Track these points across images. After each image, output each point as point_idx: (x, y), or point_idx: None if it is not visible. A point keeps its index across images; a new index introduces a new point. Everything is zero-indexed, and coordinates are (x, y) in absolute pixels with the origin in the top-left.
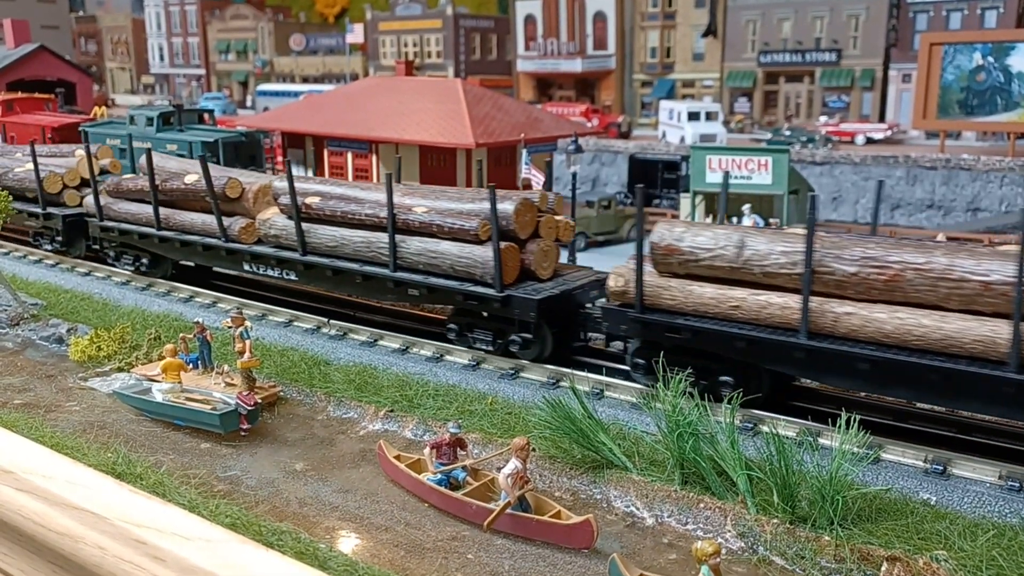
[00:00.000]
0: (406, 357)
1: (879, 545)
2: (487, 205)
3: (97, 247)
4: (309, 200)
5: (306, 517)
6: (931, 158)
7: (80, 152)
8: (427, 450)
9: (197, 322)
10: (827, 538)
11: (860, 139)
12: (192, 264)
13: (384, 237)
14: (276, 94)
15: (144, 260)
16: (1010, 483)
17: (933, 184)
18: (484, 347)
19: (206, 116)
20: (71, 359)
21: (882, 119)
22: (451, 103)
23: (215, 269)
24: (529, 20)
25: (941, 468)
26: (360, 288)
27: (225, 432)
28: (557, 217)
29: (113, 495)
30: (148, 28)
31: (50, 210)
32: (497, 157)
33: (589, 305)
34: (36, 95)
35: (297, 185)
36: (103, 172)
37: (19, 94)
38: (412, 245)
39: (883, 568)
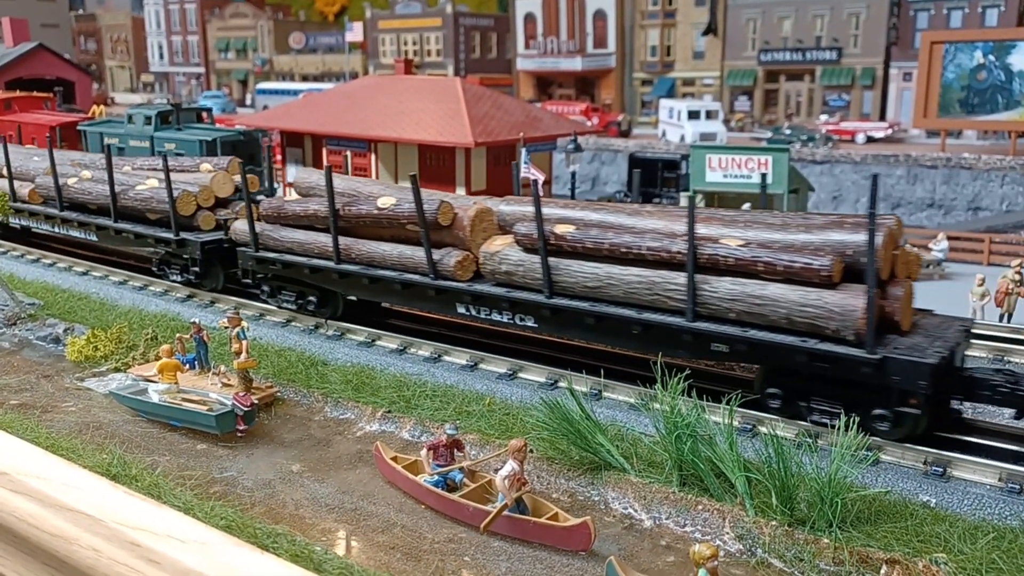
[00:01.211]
0: (404, 357)
1: (878, 548)
2: (833, 236)
3: (245, 280)
4: (560, 229)
5: (302, 519)
6: (932, 157)
7: (207, 166)
8: (424, 451)
9: (194, 322)
10: (826, 540)
11: (861, 138)
12: (354, 298)
13: (675, 277)
14: (275, 92)
15: (311, 297)
16: (1010, 485)
17: (934, 183)
18: (825, 420)
19: (204, 115)
20: (68, 359)
21: (883, 118)
22: (450, 102)
23: (383, 305)
24: (529, 18)
25: (941, 470)
26: (635, 340)
27: (221, 433)
28: (910, 249)
29: (108, 497)
30: (148, 26)
31: (184, 236)
32: (496, 156)
33: (966, 365)
34: (35, 94)
35: (525, 209)
36: (236, 190)
37: (17, 93)
38: (721, 288)
39: (882, 571)
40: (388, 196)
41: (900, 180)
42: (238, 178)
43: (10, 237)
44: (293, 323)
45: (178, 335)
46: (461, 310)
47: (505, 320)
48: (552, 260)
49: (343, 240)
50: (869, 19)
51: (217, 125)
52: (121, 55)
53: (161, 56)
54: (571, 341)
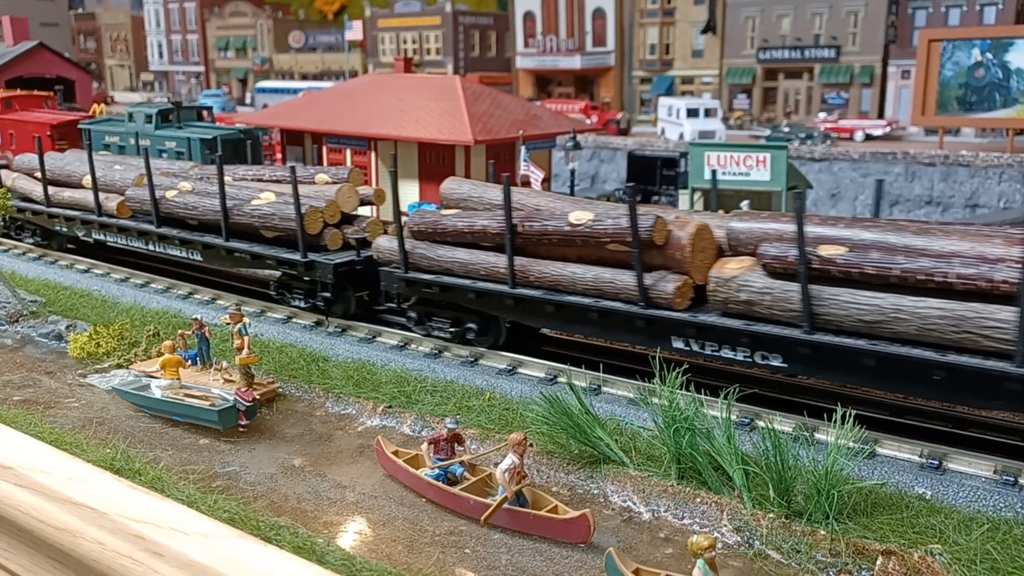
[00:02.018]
0: (404, 353)
1: (874, 539)
2: None
3: (386, 304)
4: (827, 251)
5: (304, 512)
6: (930, 154)
7: (324, 177)
8: (425, 446)
9: (196, 319)
10: (823, 532)
11: (859, 135)
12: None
13: (996, 311)
14: (275, 91)
15: (471, 324)
16: (1005, 477)
17: (932, 180)
18: None
19: (205, 113)
20: (70, 356)
21: (881, 115)
22: (450, 100)
23: (542, 331)
24: (528, 17)
25: (937, 463)
26: (935, 387)
27: (223, 428)
28: None
29: (112, 490)
30: (147, 25)
31: (312, 257)
32: (496, 154)
33: None
34: (35, 93)
35: (769, 226)
36: (364, 203)
37: (18, 91)
38: None
39: (878, 562)
40: (582, 211)
41: (898, 177)
42: (364, 190)
43: (69, 250)
44: (294, 319)
45: (180, 331)
46: (678, 344)
47: (740, 358)
48: (814, 288)
49: (521, 261)
50: (867, 17)
51: (218, 124)
52: (121, 54)
53: (161, 55)
54: (573, 338)
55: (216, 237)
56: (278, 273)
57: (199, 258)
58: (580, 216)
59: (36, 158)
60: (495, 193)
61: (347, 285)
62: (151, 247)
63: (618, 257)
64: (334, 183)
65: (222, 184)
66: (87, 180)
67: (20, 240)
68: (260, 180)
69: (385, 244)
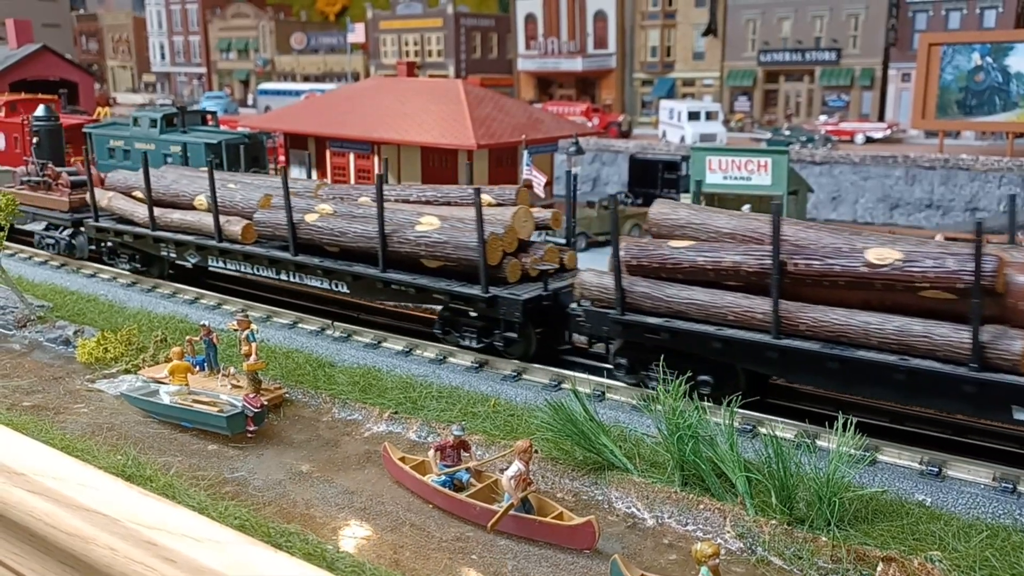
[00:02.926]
0: (410, 359)
1: (875, 546)
2: None
3: (593, 344)
4: None
5: (313, 518)
6: (930, 158)
7: (486, 197)
8: (431, 452)
9: (203, 324)
10: (824, 539)
11: (860, 138)
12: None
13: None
14: (277, 93)
15: (706, 376)
16: (1004, 485)
17: (932, 184)
18: None
19: (209, 117)
20: (78, 361)
21: (881, 118)
22: (453, 104)
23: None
24: (530, 19)
25: (936, 470)
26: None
27: (232, 434)
28: None
29: (123, 497)
30: (149, 26)
31: (496, 292)
32: (499, 158)
33: None
34: (39, 96)
35: None
36: (540, 228)
37: (22, 95)
38: None
39: (879, 568)
40: (884, 248)
41: (899, 181)
42: (541, 213)
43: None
44: (299, 325)
45: (188, 337)
46: (1020, 416)
47: None
48: None
49: (787, 306)
50: (868, 20)
51: (222, 128)
52: (123, 55)
53: (163, 56)
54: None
55: (369, 267)
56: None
57: (345, 290)
58: (883, 255)
59: (133, 175)
60: (722, 221)
61: (528, 323)
62: (284, 277)
63: (924, 304)
64: (498, 204)
65: (381, 206)
66: (200, 200)
67: (113, 265)
68: (405, 201)
69: (592, 280)
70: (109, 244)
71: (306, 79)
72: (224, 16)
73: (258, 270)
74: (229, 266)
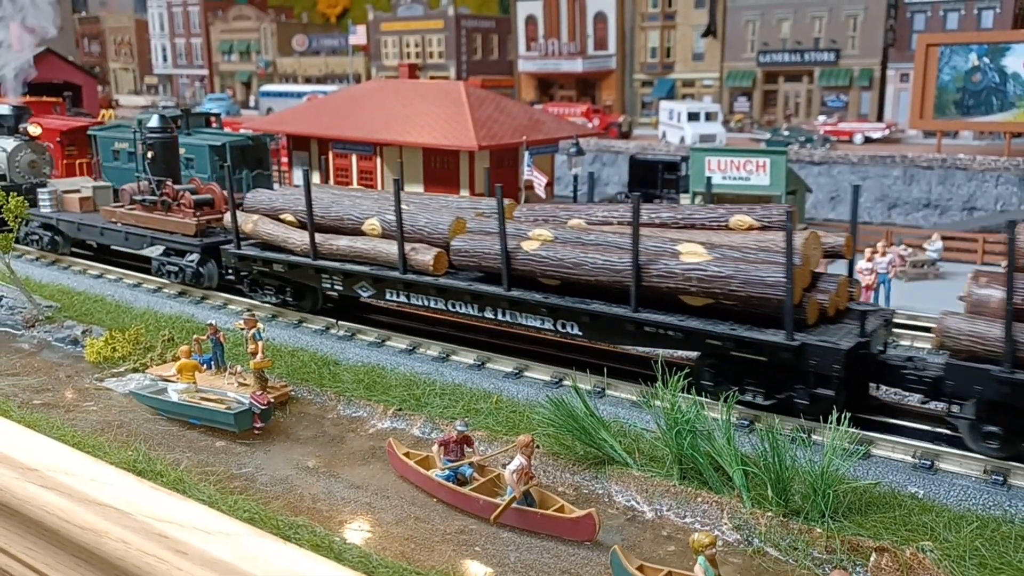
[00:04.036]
0: (413, 357)
1: (868, 537)
2: None
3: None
4: None
5: (320, 512)
6: (928, 158)
7: (745, 218)
8: (435, 447)
9: (210, 324)
10: (819, 530)
11: (858, 138)
12: None
13: None
14: (279, 95)
15: None
16: (994, 477)
17: (930, 183)
18: None
19: (212, 120)
20: (86, 360)
21: (880, 118)
22: (454, 106)
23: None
24: (530, 20)
25: (929, 463)
26: None
27: (239, 431)
28: None
29: (135, 491)
30: (151, 29)
31: (804, 338)
32: (500, 159)
33: None
34: (44, 98)
35: None
36: (829, 255)
37: (27, 97)
38: None
39: (872, 559)
40: None
41: (897, 181)
42: (831, 238)
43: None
44: (304, 324)
45: (195, 336)
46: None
47: None
48: None
49: None
50: (867, 21)
51: (226, 130)
52: (125, 57)
53: (165, 58)
54: (576, 342)
55: (611, 305)
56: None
57: (575, 331)
58: None
59: (279, 195)
60: None
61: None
62: (490, 314)
63: None
64: (762, 227)
65: (637, 235)
66: (371, 225)
67: (252, 297)
68: (622, 224)
69: (964, 327)
70: (250, 274)
71: (308, 81)
72: (226, 18)
73: (453, 306)
74: (413, 300)
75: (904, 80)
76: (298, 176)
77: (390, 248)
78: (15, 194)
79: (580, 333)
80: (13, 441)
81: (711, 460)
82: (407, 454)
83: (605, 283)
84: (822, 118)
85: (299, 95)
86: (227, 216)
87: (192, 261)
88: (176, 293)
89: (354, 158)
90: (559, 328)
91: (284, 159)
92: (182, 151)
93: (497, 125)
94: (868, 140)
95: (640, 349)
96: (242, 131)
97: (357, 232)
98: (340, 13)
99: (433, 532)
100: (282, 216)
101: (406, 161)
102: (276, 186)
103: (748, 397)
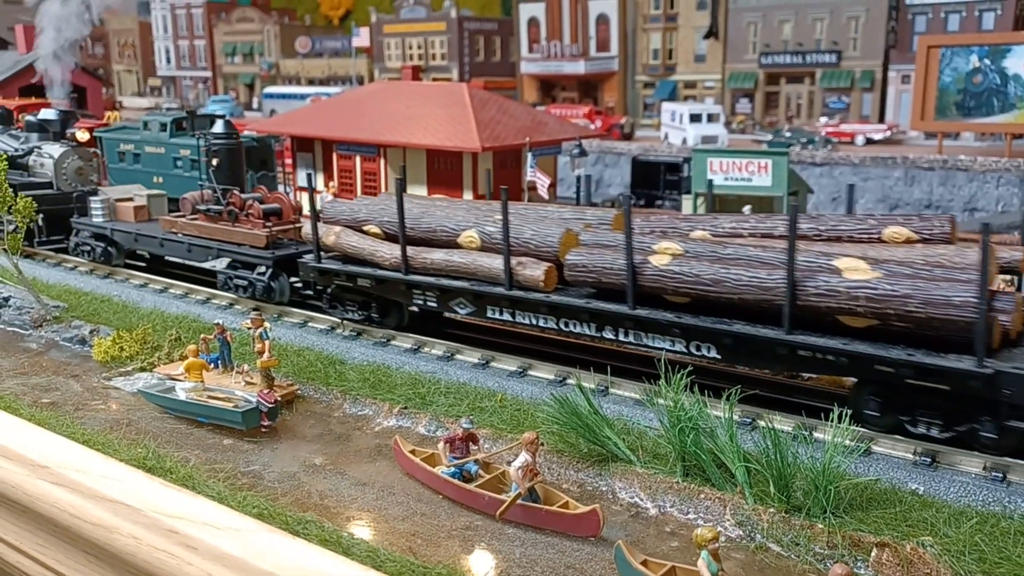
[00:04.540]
0: (418, 356)
1: (869, 532)
2: None
3: None
4: None
5: (327, 508)
6: (929, 159)
7: (900, 230)
8: (441, 445)
9: (218, 323)
10: (820, 526)
11: (860, 139)
12: None
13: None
14: (283, 96)
15: None
16: (994, 474)
17: (931, 184)
18: None
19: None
20: (94, 359)
21: (881, 119)
22: (458, 108)
23: None
24: (532, 22)
25: (929, 460)
26: None
27: (246, 429)
28: None
29: (145, 488)
30: (155, 31)
31: (998, 365)
32: (503, 160)
33: None
34: (51, 100)
35: None
36: (1006, 272)
37: (33, 99)
38: None
39: (873, 554)
40: None
41: (898, 182)
42: (1007, 252)
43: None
44: (310, 324)
45: (202, 335)
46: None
47: None
48: None
49: None
50: (868, 22)
51: None
52: (128, 59)
53: (168, 60)
54: (579, 341)
55: (756, 326)
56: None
57: (712, 355)
58: None
59: (362, 204)
60: None
61: None
62: (609, 335)
63: None
64: (921, 240)
65: (793, 248)
66: (469, 237)
67: (330, 314)
68: (768, 236)
69: None
70: (330, 289)
71: (311, 83)
72: (229, 20)
73: (566, 325)
74: (519, 319)
75: (905, 81)
76: (302, 178)
77: (492, 262)
78: (23, 195)
79: (718, 356)
80: (24, 439)
81: (714, 457)
82: (413, 451)
83: (750, 302)
84: (824, 119)
85: (302, 97)
86: (306, 227)
87: (263, 275)
88: (182, 293)
89: (358, 159)
90: (692, 350)
91: (288, 160)
92: (187, 152)
93: (500, 127)
94: (869, 141)
95: (642, 348)
96: (246, 133)
97: (452, 245)
98: (343, 15)
99: (439, 528)
100: (365, 227)
101: (410, 162)
102: (280, 187)
103: (921, 430)
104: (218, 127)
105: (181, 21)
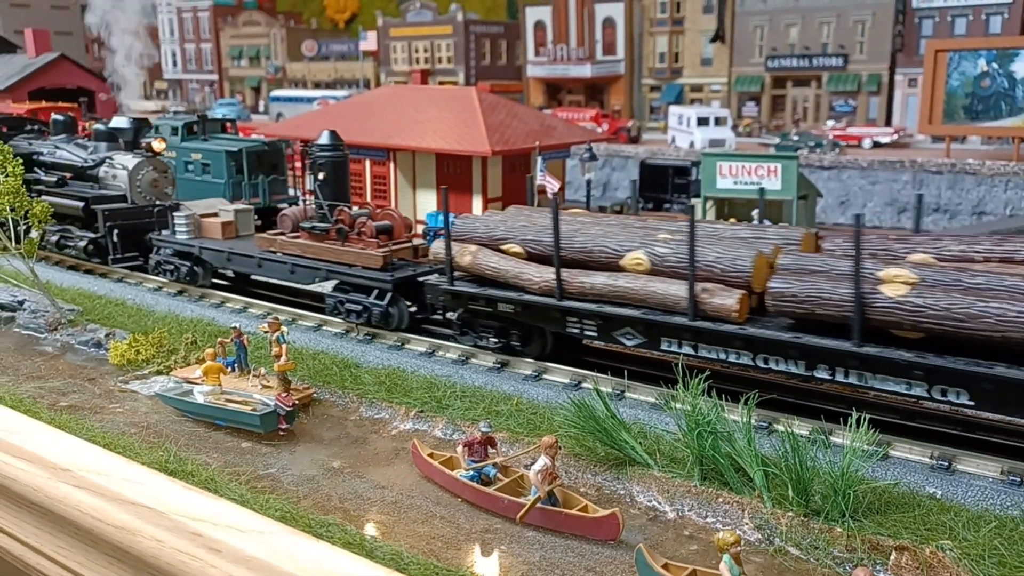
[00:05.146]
0: (433, 360)
1: (888, 536)
2: None
3: None
4: None
5: (347, 511)
6: (937, 163)
7: None
8: (460, 448)
9: (234, 327)
10: (839, 530)
11: (867, 143)
12: None
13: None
14: (289, 99)
15: None
16: (1011, 478)
17: (939, 188)
18: None
19: (228, 125)
20: (110, 363)
21: (888, 123)
22: (467, 111)
23: None
24: (539, 26)
25: (946, 464)
26: None
27: (265, 432)
28: None
29: (168, 491)
30: (161, 34)
31: None
32: (512, 164)
33: None
34: (60, 104)
35: None
36: None
37: (43, 103)
38: None
39: (892, 557)
40: None
41: (906, 185)
42: None
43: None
44: (324, 327)
45: (219, 339)
46: None
47: None
48: None
49: None
50: (875, 26)
51: (241, 136)
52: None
53: (174, 63)
54: (593, 344)
55: None
56: None
57: (965, 400)
58: None
59: (497, 220)
60: None
61: None
62: (823, 374)
63: None
64: None
65: None
66: (636, 259)
67: (461, 340)
68: (990, 259)
69: None
70: (461, 313)
71: (317, 86)
72: (235, 24)
73: (765, 362)
74: (704, 353)
75: (912, 85)
76: (310, 181)
77: (669, 288)
78: (38, 198)
79: (971, 403)
80: (45, 442)
81: (732, 461)
82: (431, 455)
83: (1016, 340)
84: (830, 123)
85: (309, 100)
86: (435, 246)
87: (381, 299)
88: (198, 296)
89: (367, 163)
90: (935, 395)
91: (298, 164)
92: (198, 156)
93: (509, 130)
94: (877, 145)
95: (656, 353)
96: (253, 136)
97: (611, 267)
98: (349, 18)
99: (459, 531)
100: (503, 247)
101: (419, 166)
102: (291, 191)
103: None
104: (323, 138)
105: (187, 24)
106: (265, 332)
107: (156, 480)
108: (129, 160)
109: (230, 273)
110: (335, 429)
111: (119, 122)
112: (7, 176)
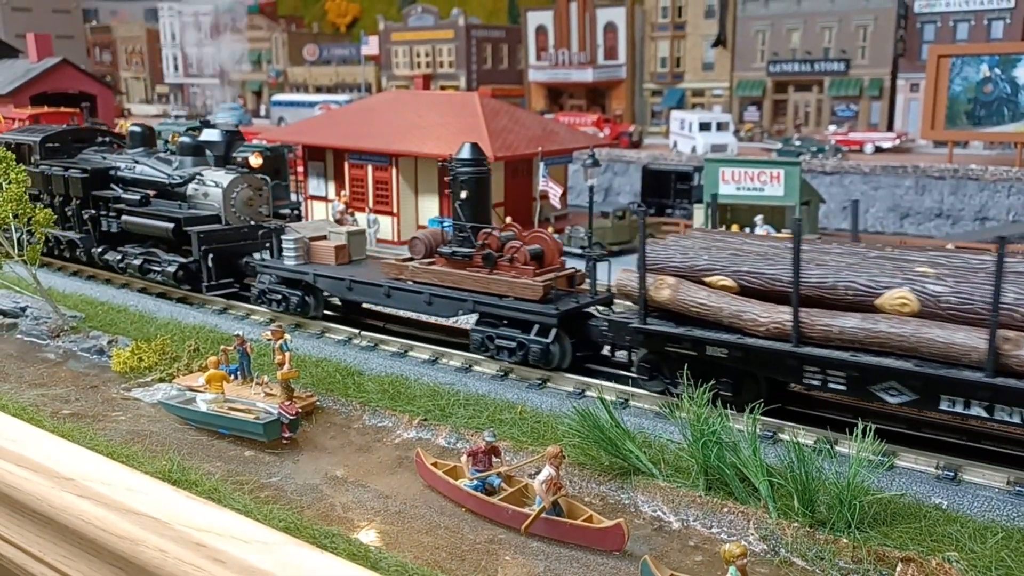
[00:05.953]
0: (436, 368)
1: (894, 547)
2: None
3: None
4: None
5: (351, 521)
6: (939, 168)
7: None
8: (464, 457)
9: (237, 334)
10: (845, 540)
11: (869, 148)
12: None
13: None
14: (291, 104)
15: None
16: (1018, 488)
17: (942, 193)
18: None
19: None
20: (112, 370)
21: (890, 128)
22: (469, 117)
23: None
24: (540, 30)
25: (952, 474)
26: None
27: (268, 440)
28: None
29: (172, 501)
30: (162, 38)
31: None
32: (514, 169)
33: None
34: (62, 109)
35: None
36: None
37: (45, 108)
38: None
39: (898, 568)
40: None
41: (909, 191)
42: None
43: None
44: (327, 335)
45: (222, 347)
46: None
47: None
48: None
49: None
50: (877, 31)
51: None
52: (136, 66)
53: (176, 68)
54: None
55: None
56: None
57: None
58: None
59: (700, 247)
60: None
61: None
62: None
63: None
64: None
65: None
66: (899, 297)
67: (641, 385)
68: None
69: None
70: (646, 355)
71: (318, 90)
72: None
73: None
74: (1001, 415)
75: (914, 90)
76: (313, 185)
77: (951, 336)
78: (42, 206)
79: None
80: (48, 451)
81: (737, 471)
82: (435, 464)
83: None
84: (832, 127)
85: (311, 104)
86: (623, 278)
87: (542, 335)
88: (199, 303)
89: (370, 168)
90: None
91: (300, 169)
92: None
93: (512, 136)
94: (879, 150)
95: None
96: (255, 141)
97: (862, 307)
98: (350, 23)
99: (463, 541)
100: (708, 279)
101: (422, 172)
102: (293, 196)
103: None
104: (464, 151)
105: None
106: (268, 340)
107: (160, 490)
108: (222, 177)
109: (337, 301)
110: (338, 437)
111: (210, 135)
112: (10, 183)
